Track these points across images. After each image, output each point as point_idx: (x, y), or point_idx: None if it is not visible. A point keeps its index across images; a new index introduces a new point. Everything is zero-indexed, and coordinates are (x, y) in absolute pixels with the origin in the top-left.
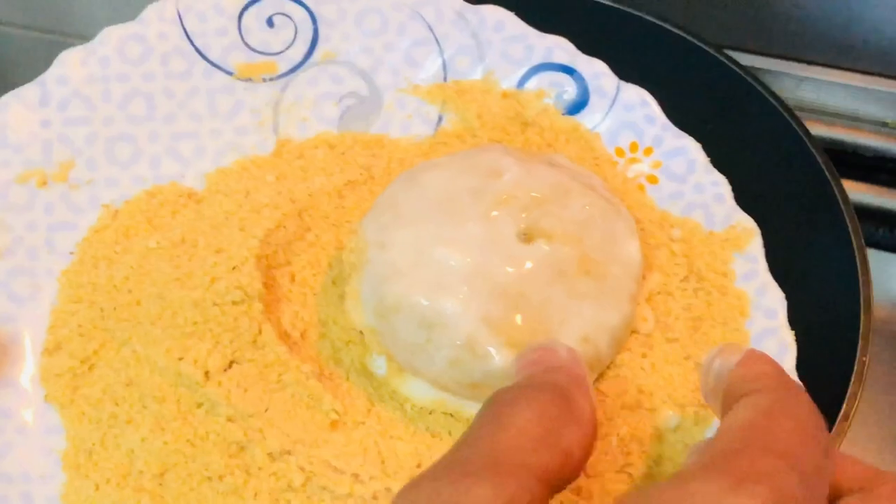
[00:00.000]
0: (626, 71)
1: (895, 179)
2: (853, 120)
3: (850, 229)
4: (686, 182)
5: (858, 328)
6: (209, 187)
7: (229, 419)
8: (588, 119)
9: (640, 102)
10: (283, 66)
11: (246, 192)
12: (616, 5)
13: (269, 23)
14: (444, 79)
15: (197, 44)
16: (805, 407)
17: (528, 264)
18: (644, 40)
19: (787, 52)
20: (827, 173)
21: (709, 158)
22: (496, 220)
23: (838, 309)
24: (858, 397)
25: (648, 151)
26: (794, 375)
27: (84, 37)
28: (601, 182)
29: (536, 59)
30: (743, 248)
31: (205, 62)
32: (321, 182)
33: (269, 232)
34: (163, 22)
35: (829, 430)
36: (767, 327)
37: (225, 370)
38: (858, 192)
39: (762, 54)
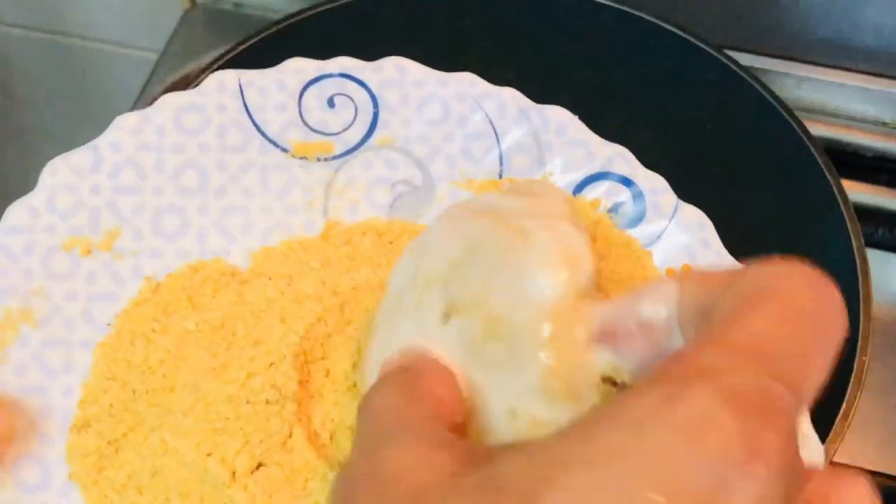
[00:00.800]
0: (626, 70)
1: (895, 179)
2: (853, 120)
3: (850, 229)
4: None
5: (858, 328)
6: (253, 268)
7: None
8: (642, 235)
9: (697, 225)
10: (340, 148)
11: (289, 279)
12: (616, 5)
13: (330, 103)
14: (500, 175)
15: (256, 118)
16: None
17: (450, 348)
18: (644, 40)
19: (787, 52)
20: (827, 173)
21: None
22: (424, 307)
23: None
24: (858, 397)
25: None
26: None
27: (84, 37)
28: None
29: (596, 167)
30: None
31: (262, 137)
32: (366, 274)
33: (309, 327)
34: (223, 94)
35: (829, 430)
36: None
37: (252, 472)
38: (858, 192)
39: (762, 54)
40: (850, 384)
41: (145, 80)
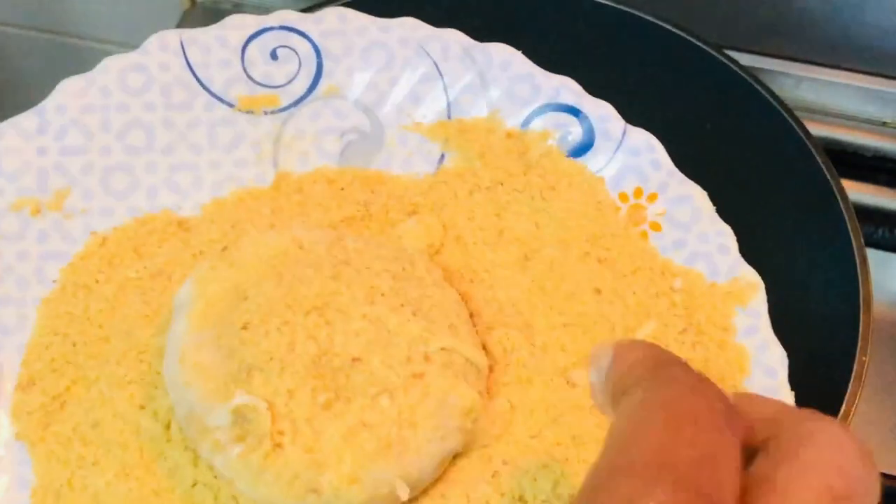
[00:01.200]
0: (625, 70)
1: (895, 179)
2: (853, 120)
3: (849, 229)
4: (690, 231)
5: (858, 328)
6: (202, 217)
7: (193, 484)
8: (592, 162)
9: (646, 147)
10: (286, 100)
11: (235, 223)
12: (616, 5)
13: (273, 55)
14: (448, 116)
15: (199, 75)
16: (677, 387)
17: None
18: (644, 40)
19: (787, 52)
20: (827, 173)
21: (714, 207)
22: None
23: (838, 309)
24: (858, 397)
25: (653, 198)
26: None
27: (84, 37)
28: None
29: (542, 100)
30: (746, 302)
31: (206, 94)
32: (317, 218)
33: None
34: (165, 52)
35: None
36: (767, 386)
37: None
38: (858, 192)
39: (762, 54)
40: (850, 384)
41: None
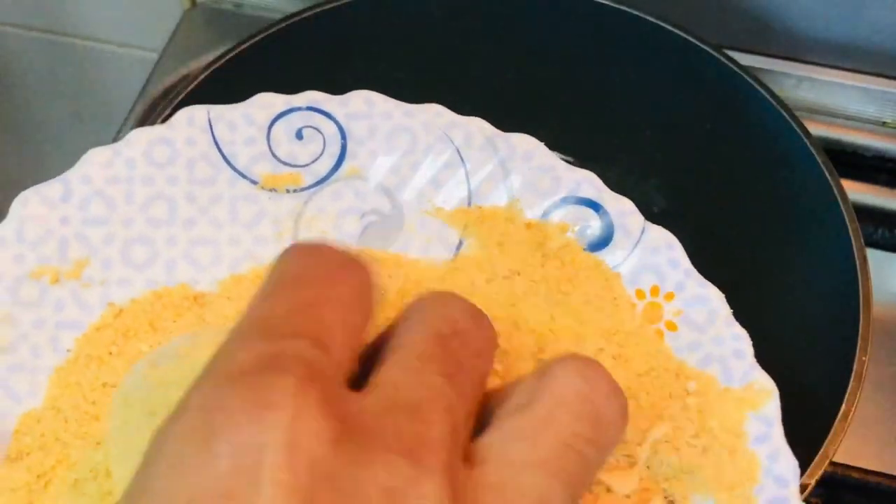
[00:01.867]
0: (626, 70)
1: (895, 179)
2: (853, 120)
3: (849, 229)
4: (706, 333)
5: (858, 328)
6: (219, 293)
7: None
8: (610, 257)
9: (665, 245)
10: (309, 179)
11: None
12: (616, 5)
13: (299, 135)
14: (469, 203)
15: (225, 151)
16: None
17: None
18: (644, 40)
19: (787, 52)
20: (826, 173)
21: (731, 310)
22: None
23: (838, 309)
24: (858, 397)
25: (669, 297)
26: None
27: (84, 37)
28: None
29: (563, 192)
30: (759, 408)
31: (230, 170)
32: None
33: None
34: (192, 128)
35: (829, 429)
36: (778, 496)
37: None
38: (858, 192)
39: (762, 54)
40: (850, 384)
41: (145, 79)
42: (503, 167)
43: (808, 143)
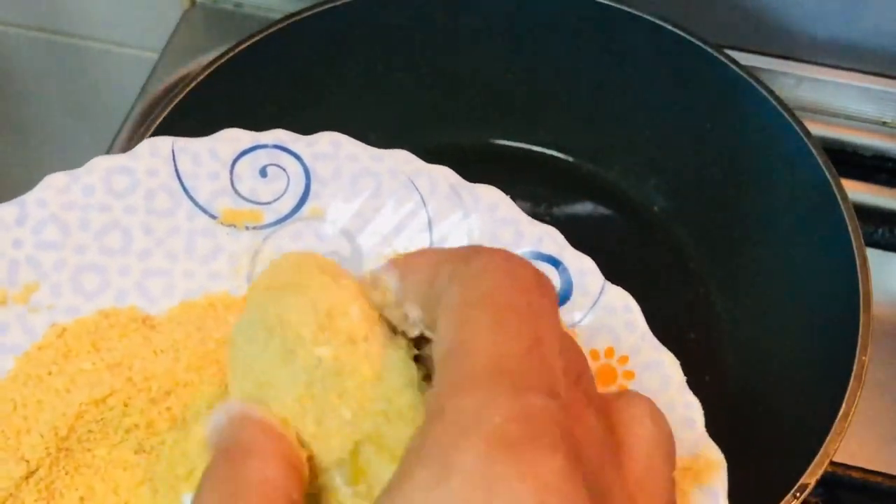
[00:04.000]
0: (626, 71)
1: (895, 179)
2: (853, 120)
3: (849, 229)
4: (658, 399)
5: (858, 328)
6: (169, 316)
7: None
8: (567, 316)
9: (622, 307)
10: (269, 217)
11: (200, 326)
12: (616, 5)
13: (263, 172)
14: None
15: (186, 184)
16: (491, 276)
17: (286, 392)
18: (644, 40)
19: (787, 52)
20: (826, 173)
21: (685, 378)
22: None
23: (838, 309)
24: (858, 397)
25: (624, 360)
26: None
27: (84, 37)
28: None
29: (525, 246)
30: (705, 481)
31: (190, 203)
32: None
33: (208, 367)
34: (155, 158)
35: (829, 429)
36: None
37: None
38: (858, 191)
39: (762, 54)
40: (850, 384)
41: (145, 79)
42: (466, 217)
43: (808, 143)
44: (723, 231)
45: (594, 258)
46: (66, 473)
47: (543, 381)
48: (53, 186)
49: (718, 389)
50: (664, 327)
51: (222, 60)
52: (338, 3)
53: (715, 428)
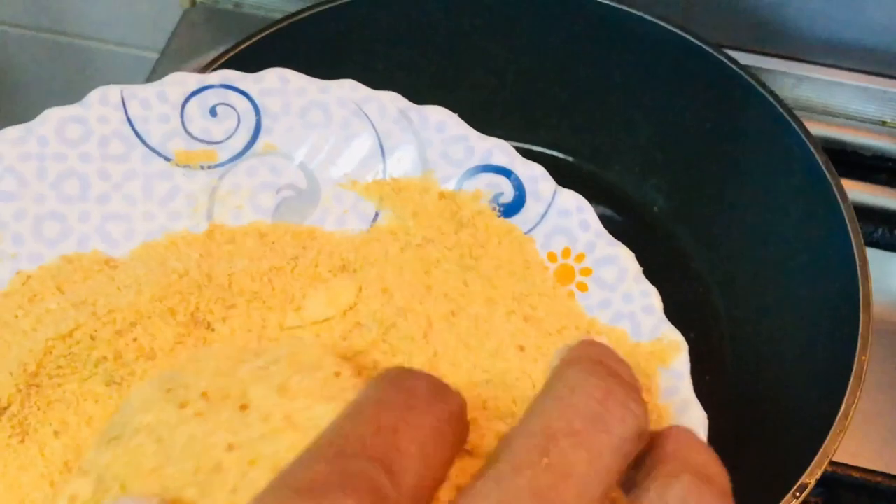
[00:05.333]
0: (626, 70)
1: (894, 179)
2: (853, 119)
3: (849, 229)
4: (616, 291)
5: (858, 327)
6: (131, 257)
7: None
8: (523, 222)
9: (576, 208)
10: (223, 155)
11: (162, 262)
12: (616, 5)
13: (213, 112)
14: (384, 175)
15: (138, 128)
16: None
17: None
18: (644, 40)
19: (787, 52)
20: (826, 173)
21: (641, 268)
22: None
23: (838, 308)
24: (858, 396)
25: (580, 258)
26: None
27: (84, 37)
28: None
29: (476, 161)
30: (668, 362)
31: (144, 147)
32: (244, 264)
33: (172, 297)
34: (105, 106)
35: (829, 429)
36: None
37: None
38: (857, 191)
39: (762, 54)
40: (850, 383)
41: (145, 79)
42: (417, 138)
43: (808, 143)
44: (723, 231)
45: None
46: (39, 409)
47: (376, 456)
48: (8, 139)
49: (718, 389)
50: None
51: (222, 60)
52: (338, 3)
53: (715, 428)
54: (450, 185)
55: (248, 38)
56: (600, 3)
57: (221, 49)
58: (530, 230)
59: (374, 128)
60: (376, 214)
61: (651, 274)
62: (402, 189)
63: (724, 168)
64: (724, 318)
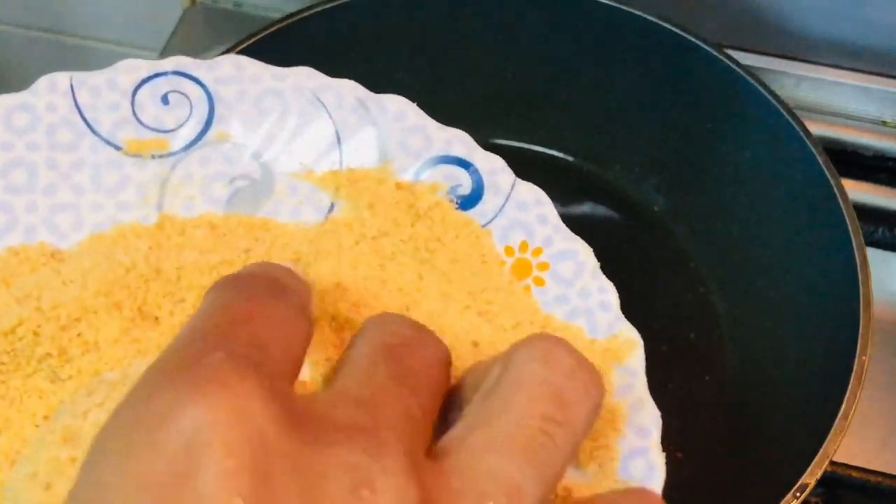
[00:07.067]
0: (626, 71)
1: (895, 179)
2: (853, 119)
3: (849, 228)
4: (572, 286)
5: (858, 327)
6: (78, 249)
7: None
8: (481, 215)
9: (534, 201)
10: (175, 144)
11: (109, 255)
12: (616, 5)
13: (165, 100)
14: (340, 166)
15: (87, 117)
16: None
17: None
18: (644, 40)
19: (787, 52)
20: (826, 172)
21: (598, 263)
22: None
23: (838, 309)
24: (858, 397)
25: (538, 252)
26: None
27: (84, 36)
28: None
29: (434, 151)
30: (623, 360)
31: (93, 136)
32: (193, 257)
33: (118, 292)
34: (54, 94)
35: (829, 429)
36: (638, 447)
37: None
38: (858, 191)
39: (762, 54)
40: (850, 383)
41: None
42: (375, 128)
43: (809, 143)
44: (723, 231)
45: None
46: None
47: (240, 338)
48: None
49: (718, 389)
50: (664, 327)
51: None
52: (338, 3)
53: (715, 428)
54: (407, 176)
55: (248, 38)
56: (600, 2)
57: (221, 49)
58: (488, 223)
59: (330, 117)
60: (332, 205)
61: (651, 274)
62: (359, 179)
63: (724, 168)
64: (724, 318)
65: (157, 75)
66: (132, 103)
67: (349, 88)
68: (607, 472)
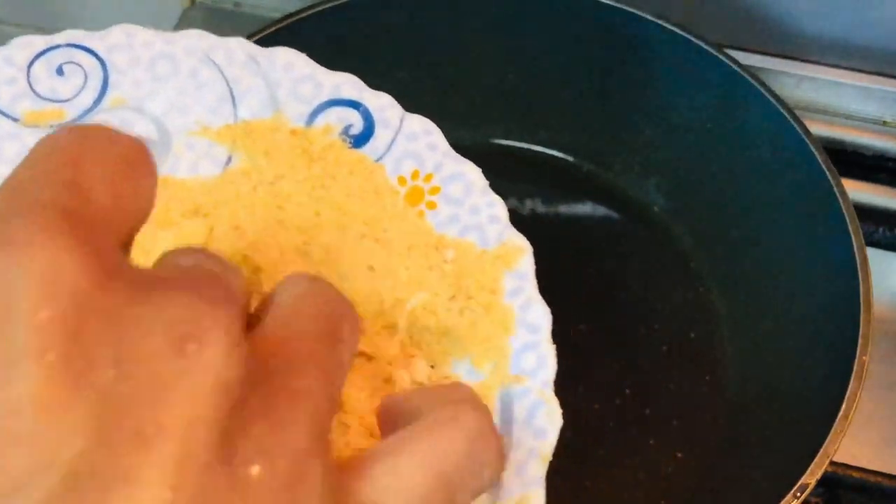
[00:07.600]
0: (626, 71)
1: (895, 179)
2: (853, 119)
3: (849, 228)
4: (463, 205)
5: (858, 327)
6: None
7: None
8: (373, 151)
9: (423, 131)
10: (72, 113)
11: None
12: (616, 4)
13: (59, 71)
14: (235, 120)
15: None
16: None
17: None
18: (644, 40)
19: (787, 52)
20: (827, 172)
21: (487, 182)
22: None
23: (838, 308)
24: (858, 397)
25: (428, 178)
26: (550, 389)
27: None
28: None
29: (324, 96)
30: (513, 265)
31: None
32: None
33: None
34: None
35: (829, 429)
36: (529, 342)
37: None
38: (858, 191)
39: (762, 54)
40: (851, 384)
41: None
42: (266, 81)
43: (809, 143)
44: (723, 231)
45: (594, 258)
46: None
47: (58, 182)
48: None
49: (718, 389)
50: (664, 327)
51: None
52: (338, 3)
53: (715, 428)
54: (301, 123)
55: (248, 38)
56: (600, 2)
57: None
58: (380, 157)
59: (222, 74)
60: (229, 158)
61: (651, 274)
62: (253, 131)
63: (724, 168)
64: (724, 318)
65: (50, 48)
66: (28, 76)
67: (238, 45)
68: (500, 368)
